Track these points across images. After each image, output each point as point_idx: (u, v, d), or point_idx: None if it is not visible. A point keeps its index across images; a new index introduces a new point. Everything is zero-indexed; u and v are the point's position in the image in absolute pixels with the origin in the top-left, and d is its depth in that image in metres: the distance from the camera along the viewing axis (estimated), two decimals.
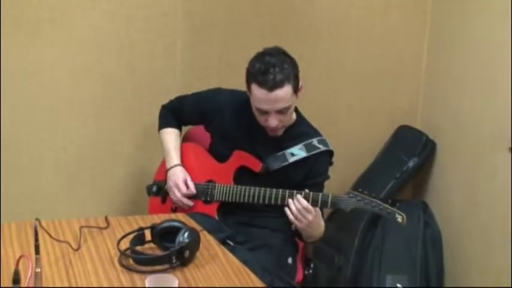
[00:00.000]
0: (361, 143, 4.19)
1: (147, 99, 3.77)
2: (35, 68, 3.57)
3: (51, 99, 3.64)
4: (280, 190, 2.95)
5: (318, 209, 2.90)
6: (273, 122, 2.97)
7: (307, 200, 2.87)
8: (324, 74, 4.05)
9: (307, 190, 2.90)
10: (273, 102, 2.91)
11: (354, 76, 4.10)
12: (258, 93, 2.91)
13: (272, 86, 2.86)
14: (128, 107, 3.77)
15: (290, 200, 2.89)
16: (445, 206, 3.91)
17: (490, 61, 3.52)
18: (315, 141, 3.12)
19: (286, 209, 2.90)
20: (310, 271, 3.22)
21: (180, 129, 3.38)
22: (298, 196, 2.87)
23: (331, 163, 3.19)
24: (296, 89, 2.96)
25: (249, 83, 2.95)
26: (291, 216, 2.88)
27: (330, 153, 3.16)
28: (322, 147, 3.11)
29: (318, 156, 3.11)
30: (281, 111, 2.94)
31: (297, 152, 3.09)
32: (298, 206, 2.86)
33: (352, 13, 4.01)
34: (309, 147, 3.10)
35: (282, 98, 2.89)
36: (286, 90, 2.89)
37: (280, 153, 3.10)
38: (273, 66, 2.87)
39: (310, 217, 2.86)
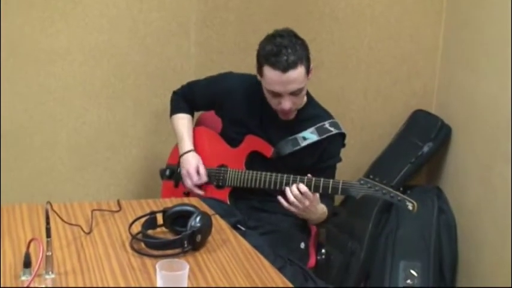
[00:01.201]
0: (376, 128, 4.17)
1: (161, 81, 3.76)
2: (47, 48, 3.57)
3: (64, 80, 3.63)
4: (292, 176, 2.94)
5: (316, 194, 2.89)
6: (286, 104, 2.95)
7: (318, 187, 2.87)
8: (338, 57, 4.02)
9: (309, 175, 2.89)
10: (286, 84, 2.88)
11: (369, 60, 4.07)
12: (271, 75, 2.88)
13: (286, 67, 2.84)
14: (141, 89, 3.76)
15: (287, 188, 2.89)
16: (460, 191, 3.89)
17: (507, 45, 3.48)
18: (326, 124, 3.10)
19: (279, 197, 2.90)
20: (323, 256, 3.21)
21: (192, 114, 3.37)
22: (300, 183, 2.87)
23: (343, 145, 3.18)
24: (308, 71, 2.94)
25: (260, 65, 2.93)
26: (285, 204, 2.88)
27: (342, 136, 3.14)
28: (334, 130, 3.09)
29: (330, 139, 3.09)
30: (294, 93, 2.92)
31: (309, 136, 3.07)
32: (296, 192, 2.85)
33: None
34: (320, 131, 3.08)
35: (295, 79, 2.87)
36: (299, 71, 2.86)
37: (291, 138, 3.08)
38: (285, 47, 2.85)
39: (307, 203, 2.87)
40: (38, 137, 3.66)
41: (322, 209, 3.00)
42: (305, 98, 3.12)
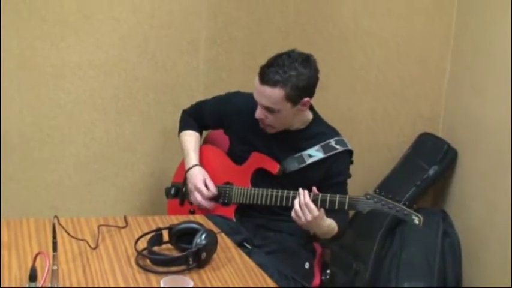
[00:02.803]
0: (383, 150, 4.18)
1: (170, 97, 3.78)
2: (58, 63, 3.59)
3: (74, 95, 3.65)
4: (298, 192, 2.93)
5: (321, 210, 2.87)
6: (257, 112, 3.00)
7: (325, 201, 2.86)
8: (346, 78, 4.04)
9: (315, 190, 2.87)
10: (258, 95, 2.95)
11: (377, 81, 4.09)
12: (255, 80, 2.94)
13: (264, 81, 2.89)
14: (150, 105, 3.78)
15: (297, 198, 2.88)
16: (465, 215, 3.89)
17: None
18: (332, 141, 3.10)
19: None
20: (328, 276, 3.21)
21: (200, 132, 3.39)
22: (306, 192, 2.85)
23: (351, 162, 3.17)
24: (294, 100, 2.92)
25: None
26: (292, 214, 2.86)
27: (349, 153, 3.13)
28: (339, 148, 3.08)
29: (336, 156, 3.08)
30: (268, 110, 2.95)
31: (314, 154, 3.07)
32: (302, 201, 2.83)
33: (377, 17, 4.00)
34: (326, 148, 3.07)
35: (267, 96, 2.90)
36: (275, 92, 2.88)
37: (297, 155, 3.08)
38: (278, 65, 2.88)
39: (309, 217, 2.82)
40: (46, 150, 3.67)
41: (329, 225, 2.97)
42: (310, 116, 3.13)
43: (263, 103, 2.94)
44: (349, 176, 3.16)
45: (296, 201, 2.85)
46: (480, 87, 3.81)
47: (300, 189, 2.85)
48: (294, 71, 2.88)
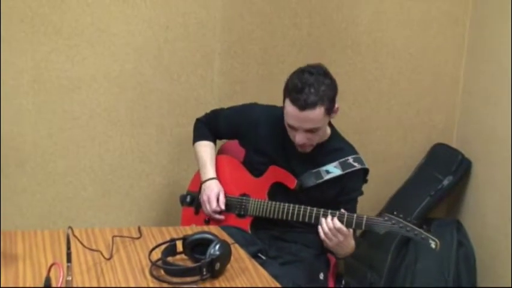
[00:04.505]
0: (397, 160, 4.18)
1: (184, 110, 3.79)
2: (73, 75, 3.60)
3: (89, 107, 3.67)
4: (315, 209, 2.93)
5: (350, 229, 2.87)
6: (299, 139, 2.96)
7: (342, 221, 2.85)
8: (360, 89, 4.05)
9: (343, 210, 2.87)
10: (301, 121, 2.89)
11: (390, 92, 4.09)
12: (290, 109, 2.90)
13: (303, 106, 2.84)
14: (164, 117, 3.79)
15: (323, 219, 2.86)
16: (479, 225, 3.88)
17: None
18: (350, 159, 3.09)
19: (319, 227, 2.87)
20: (342, 287, 3.20)
21: (215, 142, 3.38)
22: (334, 218, 2.84)
23: (365, 181, 3.17)
24: (330, 111, 2.93)
25: (284, 96, 2.94)
26: (322, 235, 2.85)
27: (364, 171, 3.14)
28: (357, 166, 3.08)
29: (353, 173, 3.08)
30: (310, 131, 2.93)
31: (332, 170, 3.07)
32: (331, 226, 2.82)
33: (390, 29, 4.01)
34: (344, 165, 3.07)
35: (311, 119, 2.88)
36: (317, 112, 2.86)
37: (315, 171, 3.08)
38: (309, 86, 2.84)
39: (341, 238, 2.83)
40: (61, 162, 3.69)
41: (352, 245, 2.97)
42: (328, 131, 3.13)
43: (306, 127, 2.91)
44: (361, 193, 3.16)
45: (324, 225, 2.84)
46: (493, 98, 3.81)
47: (322, 219, 2.86)
48: (323, 85, 2.87)
